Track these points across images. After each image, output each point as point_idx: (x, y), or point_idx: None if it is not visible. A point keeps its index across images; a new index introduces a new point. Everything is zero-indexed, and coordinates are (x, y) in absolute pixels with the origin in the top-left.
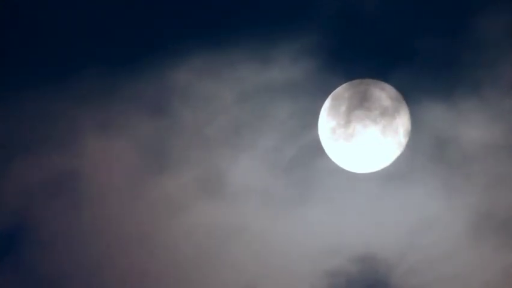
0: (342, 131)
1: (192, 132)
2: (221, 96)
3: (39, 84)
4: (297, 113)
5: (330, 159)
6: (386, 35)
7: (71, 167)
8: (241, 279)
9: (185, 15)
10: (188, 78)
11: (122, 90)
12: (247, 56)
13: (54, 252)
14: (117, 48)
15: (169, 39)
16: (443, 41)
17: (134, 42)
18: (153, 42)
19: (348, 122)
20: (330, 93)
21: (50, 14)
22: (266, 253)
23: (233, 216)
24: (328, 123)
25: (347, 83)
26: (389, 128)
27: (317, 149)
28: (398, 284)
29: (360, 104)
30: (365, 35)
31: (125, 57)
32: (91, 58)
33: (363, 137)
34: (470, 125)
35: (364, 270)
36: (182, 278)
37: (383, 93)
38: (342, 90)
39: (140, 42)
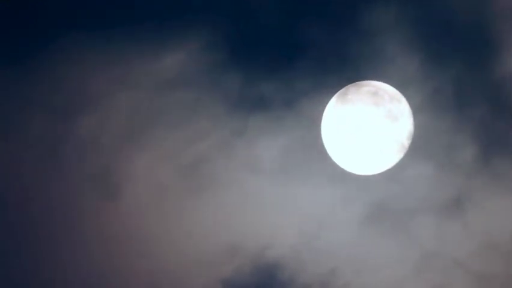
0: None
1: (86, 132)
2: (115, 94)
3: None
4: (196, 110)
5: (231, 158)
6: (280, 30)
7: None
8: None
9: (73, 12)
10: (81, 76)
11: (13, 90)
12: (141, 52)
13: None
14: (6, 46)
15: (58, 37)
16: (333, 33)
17: (22, 40)
18: (42, 38)
19: None
20: (227, 88)
21: None
22: (161, 258)
23: (128, 219)
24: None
25: None
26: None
27: (220, 148)
28: None
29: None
30: (259, 30)
31: (14, 55)
32: None
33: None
34: (361, 117)
35: (260, 275)
36: (74, 284)
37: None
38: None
39: (29, 40)
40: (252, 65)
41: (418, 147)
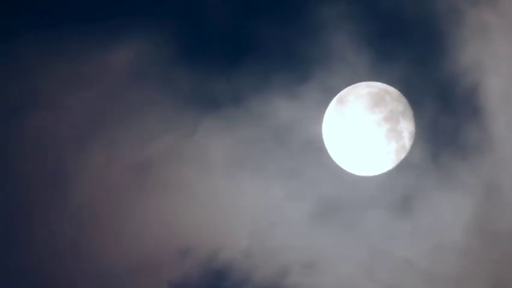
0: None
1: (36, 131)
2: (64, 94)
3: None
4: (146, 110)
5: (181, 159)
6: (227, 28)
7: None
8: None
9: (21, 11)
10: (29, 75)
11: None
12: (90, 51)
13: None
14: None
15: (7, 36)
16: (281, 31)
17: None
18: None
19: None
20: (176, 88)
21: None
22: (108, 259)
23: (77, 219)
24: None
25: None
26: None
27: (170, 148)
28: None
29: None
30: (207, 29)
31: None
32: None
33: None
34: (310, 113)
35: (210, 278)
36: (20, 284)
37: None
38: None
39: None
40: (201, 64)
41: None
